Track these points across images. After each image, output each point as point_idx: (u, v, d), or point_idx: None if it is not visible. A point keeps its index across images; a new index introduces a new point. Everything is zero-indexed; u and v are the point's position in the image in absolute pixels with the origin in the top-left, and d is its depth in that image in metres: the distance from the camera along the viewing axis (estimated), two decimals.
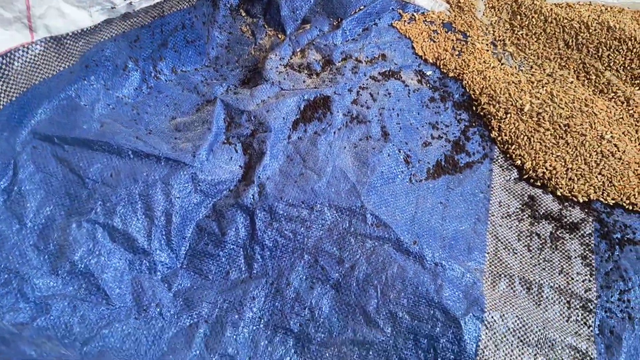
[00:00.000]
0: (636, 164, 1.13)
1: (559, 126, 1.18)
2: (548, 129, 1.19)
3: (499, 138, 1.21)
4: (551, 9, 1.38)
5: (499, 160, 1.19)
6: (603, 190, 1.11)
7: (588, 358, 0.94)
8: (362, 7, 1.39)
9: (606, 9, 1.40)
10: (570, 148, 1.16)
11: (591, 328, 0.97)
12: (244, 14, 1.41)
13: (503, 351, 0.93)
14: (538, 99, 1.23)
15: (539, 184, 1.14)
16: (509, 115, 1.22)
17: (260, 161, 1.08)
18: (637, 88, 1.25)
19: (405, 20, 1.44)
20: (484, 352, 0.92)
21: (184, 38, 1.25)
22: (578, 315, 0.98)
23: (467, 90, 1.30)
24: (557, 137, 1.17)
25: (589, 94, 1.24)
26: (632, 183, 1.11)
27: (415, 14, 1.45)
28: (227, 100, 1.14)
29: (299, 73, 1.27)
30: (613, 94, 1.24)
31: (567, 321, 0.98)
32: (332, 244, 1.02)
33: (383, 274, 1.01)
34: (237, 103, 1.14)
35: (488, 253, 1.06)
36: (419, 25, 1.43)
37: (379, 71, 1.30)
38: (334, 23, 1.39)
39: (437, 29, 1.43)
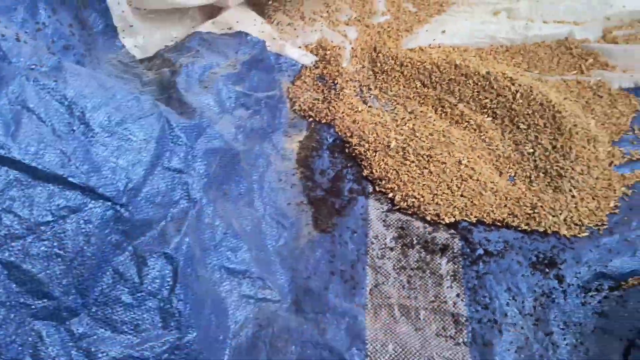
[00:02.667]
0: (491, 183, 1.25)
1: (422, 157, 1.29)
2: (413, 161, 1.29)
3: (371, 175, 1.30)
4: (405, 54, 1.53)
5: (373, 196, 1.27)
6: (466, 210, 1.22)
7: None
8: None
9: (453, 50, 1.57)
10: (433, 176, 1.27)
11: (465, 339, 1.04)
12: None
13: None
14: (402, 135, 1.34)
15: (410, 212, 1.24)
16: (377, 153, 1.32)
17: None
18: (486, 116, 1.39)
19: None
20: None
21: None
22: (452, 331, 1.05)
23: (340, 134, 1.39)
24: (422, 168, 1.28)
25: (446, 126, 1.37)
26: (489, 200, 1.23)
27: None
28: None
29: None
30: (466, 123, 1.38)
31: (443, 337, 1.05)
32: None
33: (270, 329, 1.05)
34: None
35: (369, 287, 1.12)
36: (297, 81, 1.54)
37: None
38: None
39: (311, 81, 1.54)
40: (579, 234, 1.17)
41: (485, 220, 1.21)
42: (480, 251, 1.15)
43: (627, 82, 1.50)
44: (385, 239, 1.19)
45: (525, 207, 1.21)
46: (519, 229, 1.19)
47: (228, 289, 1.05)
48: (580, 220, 1.19)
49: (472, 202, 1.23)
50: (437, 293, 1.10)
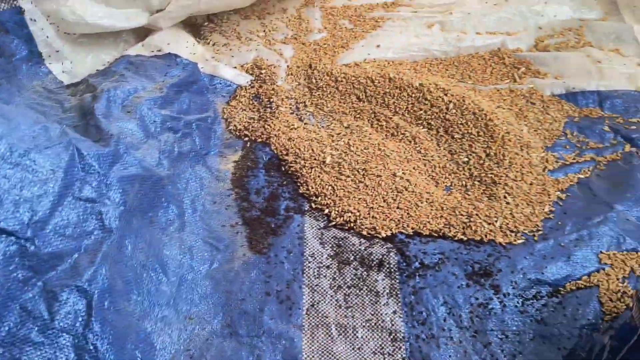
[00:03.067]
0: (427, 193, 1.25)
1: (358, 172, 1.28)
2: (349, 176, 1.28)
3: (307, 192, 1.28)
4: (340, 70, 1.53)
5: (310, 213, 1.25)
6: (402, 222, 1.20)
7: None
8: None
9: (388, 63, 1.58)
10: (369, 189, 1.25)
11: (403, 356, 1.01)
12: None
13: None
14: (337, 150, 1.33)
15: (347, 227, 1.21)
16: (313, 169, 1.30)
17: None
18: (421, 127, 1.39)
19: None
20: None
21: None
22: (389, 348, 1.03)
23: (276, 152, 1.37)
24: (357, 182, 1.27)
25: (382, 139, 1.37)
26: (425, 211, 1.22)
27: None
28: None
29: None
30: (402, 135, 1.38)
31: (380, 355, 1.02)
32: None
33: (207, 355, 1.00)
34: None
35: (306, 307, 1.09)
36: (232, 102, 1.51)
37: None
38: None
39: (247, 101, 1.52)
40: (515, 241, 1.17)
41: (422, 231, 1.19)
42: (417, 264, 1.14)
43: (559, 89, 1.53)
44: (322, 256, 1.17)
45: (461, 217, 1.21)
46: (456, 238, 1.18)
47: (154, 320, 1.01)
48: (515, 226, 1.19)
49: (408, 213, 1.22)
50: (374, 310, 1.08)
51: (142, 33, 1.62)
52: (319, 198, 1.26)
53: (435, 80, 1.47)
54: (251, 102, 1.50)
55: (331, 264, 1.15)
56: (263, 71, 1.56)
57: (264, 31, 1.75)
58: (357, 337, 1.04)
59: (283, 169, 1.34)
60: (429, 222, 1.20)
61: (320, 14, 1.85)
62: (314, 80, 1.53)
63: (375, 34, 1.73)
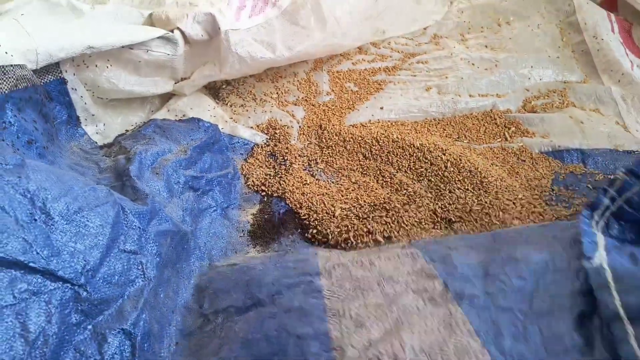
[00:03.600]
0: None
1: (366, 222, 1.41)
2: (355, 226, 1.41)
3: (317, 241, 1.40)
4: (348, 130, 1.68)
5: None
6: None
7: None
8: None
9: (391, 124, 1.74)
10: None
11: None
12: None
13: None
14: (347, 203, 1.46)
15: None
16: (324, 221, 1.42)
17: None
18: (420, 183, 1.53)
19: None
20: None
21: None
22: None
23: (290, 205, 1.50)
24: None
25: (387, 193, 1.50)
26: None
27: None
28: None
29: None
30: (405, 190, 1.51)
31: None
32: None
33: None
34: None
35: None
36: (249, 159, 1.66)
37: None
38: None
39: (263, 158, 1.66)
40: None
41: None
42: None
43: (546, 147, 1.68)
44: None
45: None
46: None
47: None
48: None
49: None
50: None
51: (166, 96, 1.79)
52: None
53: (434, 140, 1.63)
54: (267, 160, 1.65)
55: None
56: (277, 131, 1.72)
57: (277, 93, 1.92)
58: None
59: (296, 221, 1.47)
60: None
61: (327, 77, 2.03)
62: (324, 140, 1.69)
63: (378, 96, 1.90)
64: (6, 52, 1.25)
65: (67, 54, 1.39)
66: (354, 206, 1.45)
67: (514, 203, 1.43)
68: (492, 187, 1.46)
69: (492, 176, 1.49)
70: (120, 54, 1.54)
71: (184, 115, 1.65)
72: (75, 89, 1.53)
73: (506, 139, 1.73)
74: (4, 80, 1.23)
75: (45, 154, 1.36)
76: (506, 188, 1.46)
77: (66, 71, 1.49)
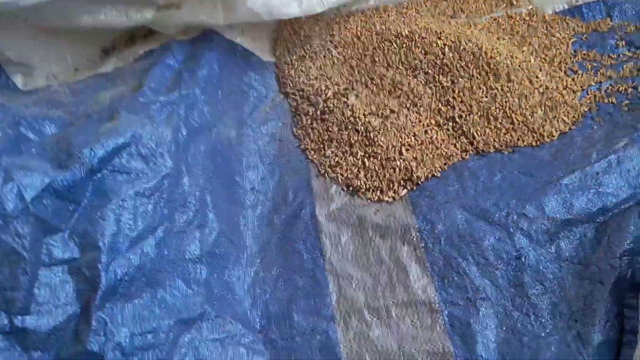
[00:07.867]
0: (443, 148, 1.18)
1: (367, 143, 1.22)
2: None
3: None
4: None
5: (319, 196, 1.19)
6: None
7: (447, 355, 0.95)
8: None
9: (373, 12, 1.45)
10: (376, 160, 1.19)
11: (442, 326, 0.98)
12: None
13: None
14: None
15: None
16: None
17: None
18: (417, 79, 1.29)
19: None
20: None
21: None
22: (427, 321, 0.99)
23: None
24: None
25: (381, 98, 1.28)
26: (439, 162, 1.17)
27: None
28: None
29: None
30: (400, 91, 1.28)
31: (419, 330, 0.99)
32: None
33: None
34: None
35: (334, 295, 1.06)
36: None
37: None
38: None
39: None
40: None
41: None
42: (440, 227, 1.08)
43: (560, 4, 1.41)
44: (340, 238, 1.12)
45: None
46: None
47: None
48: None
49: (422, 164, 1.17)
50: (404, 285, 1.04)
51: None
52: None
53: (425, 23, 1.36)
54: None
55: (351, 244, 1.11)
56: None
57: None
58: (392, 316, 1.01)
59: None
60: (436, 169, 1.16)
61: None
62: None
63: None
64: None
65: None
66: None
67: (530, 82, 1.20)
68: (502, 67, 1.22)
69: (500, 54, 1.24)
70: None
71: None
72: None
73: (512, 4, 1.45)
74: None
75: None
76: (519, 66, 1.22)
77: None
